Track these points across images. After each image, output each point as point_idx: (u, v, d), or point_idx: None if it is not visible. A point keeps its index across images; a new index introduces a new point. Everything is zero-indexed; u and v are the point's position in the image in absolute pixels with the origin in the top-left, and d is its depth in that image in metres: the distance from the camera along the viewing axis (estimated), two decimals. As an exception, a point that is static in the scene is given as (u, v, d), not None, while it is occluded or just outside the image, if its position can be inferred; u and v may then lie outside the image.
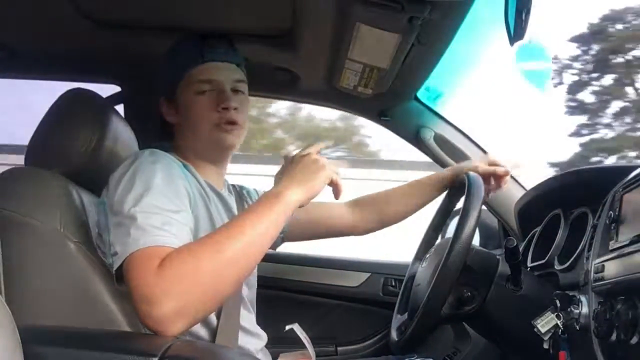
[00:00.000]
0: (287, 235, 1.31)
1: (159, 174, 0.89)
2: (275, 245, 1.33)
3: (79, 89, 1.10)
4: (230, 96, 1.05)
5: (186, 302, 0.75)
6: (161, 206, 0.84)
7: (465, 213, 1.01)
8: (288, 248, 1.46)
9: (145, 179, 0.87)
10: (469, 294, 1.08)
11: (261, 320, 1.16)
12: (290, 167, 0.91)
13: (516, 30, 0.88)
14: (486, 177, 1.28)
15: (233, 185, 1.24)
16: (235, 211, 1.14)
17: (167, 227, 0.82)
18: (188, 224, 0.88)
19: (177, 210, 0.86)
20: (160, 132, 1.13)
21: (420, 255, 1.30)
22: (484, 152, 1.57)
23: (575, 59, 10.64)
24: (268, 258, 1.65)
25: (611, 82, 10.46)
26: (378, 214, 1.37)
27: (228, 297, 0.86)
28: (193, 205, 0.96)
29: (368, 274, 1.71)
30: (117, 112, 1.13)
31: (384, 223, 1.39)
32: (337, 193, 0.95)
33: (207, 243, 0.80)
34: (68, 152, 1.00)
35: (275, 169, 0.97)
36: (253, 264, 0.84)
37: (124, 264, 0.80)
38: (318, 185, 0.89)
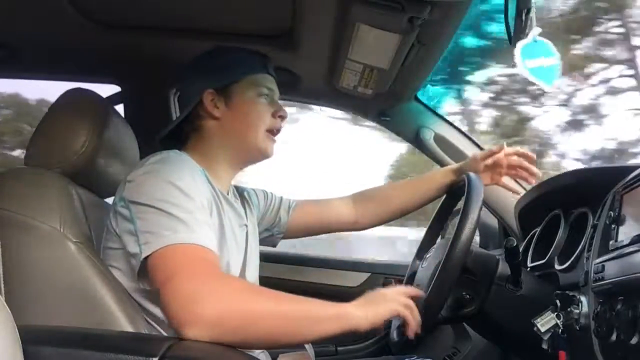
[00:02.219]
0: (287, 232, 1.31)
1: (187, 177, 0.90)
2: (274, 242, 1.33)
3: (79, 89, 1.10)
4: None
5: (228, 320, 0.77)
6: (193, 208, 0.86)
7: (464, 215, 1.00)
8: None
9: (174, 179, 0.88)
10: (468, 296, 1.08)
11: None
12: (372, 293, 0.95)
13: (517, 30, 0.88)
14: (491, 163, 1.28)
15: (235, 187, 1.23)
16: (245, 217, 1.13)
17: (199, 229, 0.85)
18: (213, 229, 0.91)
19: (205, 214, 0.89)
20: (173, 132, 1.10)
21: (421, 254, 1.30)
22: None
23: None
24: (268, 258, 1.66)
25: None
26: (380, 209, 1.36)
27: (256, 343, 0.88)
28: (209, 212, 0.96)
29: (368, 274, 1.72)
30: (117, 112, 1.13)
31: (385, 218, 1.38)
32: (407, 328, 0.95)
33: (266, 290, 0.84)
34: (68, 152, 1.00)
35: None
36: (285, 337, 0.83)
37: (155, 254, 0.81)
38: (381, 312, 0.90)
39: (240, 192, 1.23)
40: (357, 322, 0.87)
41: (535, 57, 1.01)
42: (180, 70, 1.12)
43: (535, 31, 0.97)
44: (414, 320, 0.94)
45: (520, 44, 0.97)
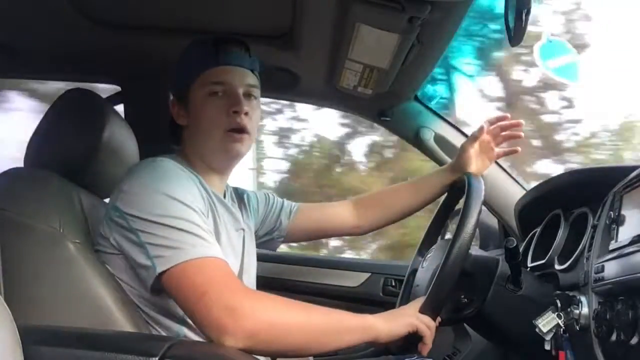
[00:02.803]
0: (288, 236, 1.31)
1: (178, 186, 0.89)
2: (274, 246, 1.33)
3: (79, 89, 1.10)
4: (241, 100, 1.01)
5: (264, 332, 0.80)
6: (197, 219, 0.87)
7: (463, 219, 0.99)
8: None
9: (168, 191, 0.87)
10: (466, 300, 1.08)
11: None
12: (395, 309, 1.04)
13: (517, 31, 0.88)
14: (478, 147, 1.26)
15: (235, 189, 1.21)
16: (241, 221, 1.11)
17: (213, 241, 0.86)
18: None
19: (207, 222, 0.90)
20: (168, 135, 1.09)
21: (422, 252, 1.30)
22: None
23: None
24: (268, 258, 1.66)
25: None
26: (381, 213, 1.35)
27: (287, 353, 0.91)
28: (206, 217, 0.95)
29: (368, 274, 1.71)
30: (117, 112, 1.13)
31: (387, 221, 1.37)
32: (421, 346, 0.98)
33: (296, 303, 0.88)
34: (68, 152, 1.00)
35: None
36: (315, 347, 0.88)
37: (176, 269, 0.82)
38: (400, 326, 0.95)
39: (239, 194, 1.21)
40: (378, 333, 0.92)
41: (555, 57, 1.02)
42: None
43: (548, 31, 0.98)
44: (429, 339, 0.97)
45: (536, 46, 0.98)
